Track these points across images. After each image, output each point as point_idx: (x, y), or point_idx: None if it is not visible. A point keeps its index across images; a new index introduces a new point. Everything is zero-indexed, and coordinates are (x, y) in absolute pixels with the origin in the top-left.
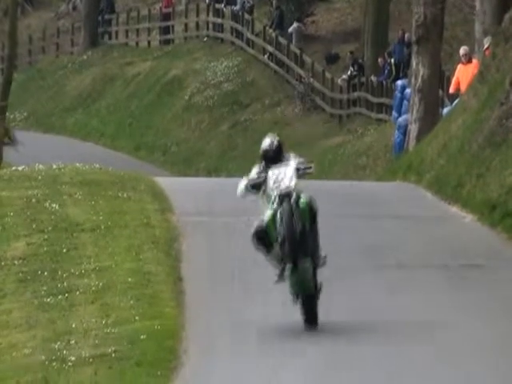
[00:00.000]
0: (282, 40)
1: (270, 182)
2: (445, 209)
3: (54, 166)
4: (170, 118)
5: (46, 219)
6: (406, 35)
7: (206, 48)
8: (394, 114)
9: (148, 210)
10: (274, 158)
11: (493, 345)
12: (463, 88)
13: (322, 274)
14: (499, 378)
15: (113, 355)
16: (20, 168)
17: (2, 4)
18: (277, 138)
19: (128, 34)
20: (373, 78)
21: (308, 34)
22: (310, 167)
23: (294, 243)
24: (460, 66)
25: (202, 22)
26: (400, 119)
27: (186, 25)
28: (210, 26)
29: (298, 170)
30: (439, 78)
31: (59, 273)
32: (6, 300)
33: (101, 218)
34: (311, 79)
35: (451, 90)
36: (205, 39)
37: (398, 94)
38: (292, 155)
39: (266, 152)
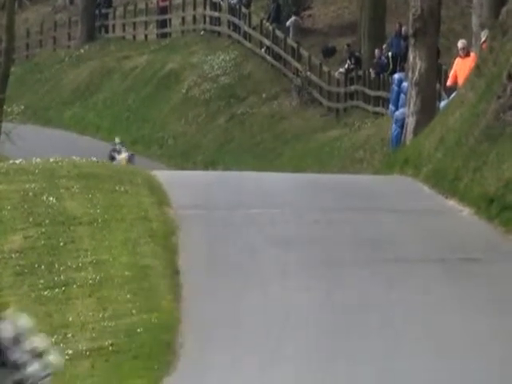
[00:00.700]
0: (279, 33)
1: None
2: (442, 202)
3: (51, 160)
4: (167, 111)
5: (43, 212)
6: (403, 28)
7: (203, 41)
8: (391, 107)
9: (145, 204)
10: None
11: (490, 338)
12: (461, 81)
13: (320, 267)
14: (496, 372)
15: (110, 348)
16: (17, 161)
17: None
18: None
19: (125, 28)
20: (371, 70)
21: (305, 28)
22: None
23: None
24: (458, 60)
25: (199, 16)
26: (397, 113)
27: (183, 18)
28: (207, 19)
29: None
30: (436, 71)
31: (56, 266)
32: (3, 293)
33: (98, 211)
34: (308, 73)
35: (449, 83)
36: (202, 33)
37: (395, 87)
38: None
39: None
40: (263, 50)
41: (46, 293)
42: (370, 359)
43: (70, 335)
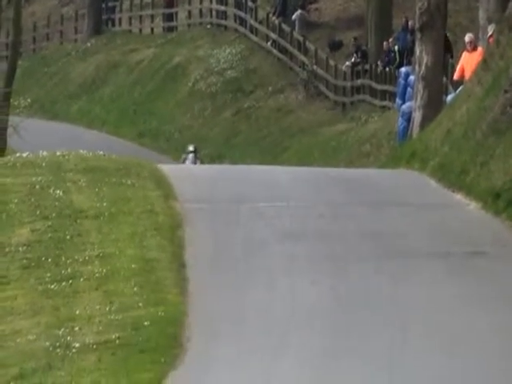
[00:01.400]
0: (285, 27)
1: None
2: (449, 196)
3: (58, 153)
4: (174, 104)
5: (50, 206)
6: (410, 22)
7: (210, 35)
8: (398, 101)
9: (151, 197)
10: None
11: (497, 334)
12: (467, 76)
13: (326, 261)
14: (500, 368)
15: (116, 342)
16: (24, 155)
17: None
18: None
19: (131, 21)
20: (379, 63)
21: (311, 21)
22: None
23: None
24: (465, 54)
25: (206, 9)
26: (404, 106)
27: (189, 12)
28: (214, 13)
29: None
30: (443, 65)
31: (63, 259)
32: (10, 286)
33: (104, 204)
34: (314, 66)
35: (455, 76)
36: (208, 26)
37: (401, 81)
38: None
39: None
40: (269, 43)
41: (52, 286)
42: (375, 354)
43: (76, 328)
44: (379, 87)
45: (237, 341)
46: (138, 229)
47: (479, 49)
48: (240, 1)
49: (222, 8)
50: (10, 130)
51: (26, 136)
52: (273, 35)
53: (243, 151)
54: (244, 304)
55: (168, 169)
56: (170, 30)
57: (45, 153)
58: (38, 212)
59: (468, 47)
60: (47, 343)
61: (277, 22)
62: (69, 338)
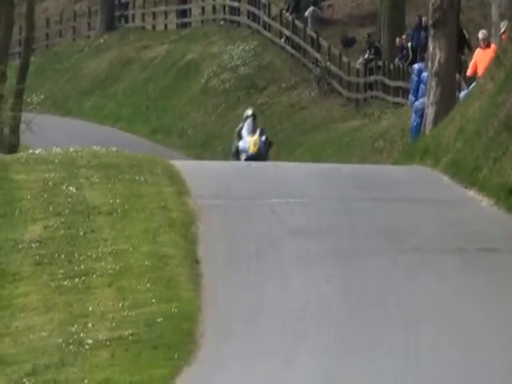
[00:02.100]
0: (298, 23)
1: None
2: (461, 193)
3: (71, 149)
4: (187, 101)
5: (63, 202)
6: (423, 20)
7: (223, 31)
8: (411, 97)
9: (165, 193)
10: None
11: (508, 329)
12: (480, 72)
13: (339, 257)
14: None
15: (129, 338)
16: (37, 151)
17: None
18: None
19: (145, 18)
20: (396, 59)
21: (324, 18)
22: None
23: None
24: (478, 50)
25: (219, 6)
26: (417, 103)
27: (202, 8)
28: (227, 9)
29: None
30: (456, 61)
31: (76, 256)
32: (23, 283)
33: (118, 201)
34: (328, 63)
35: (468, 73)
36: (221, 23)
37: (414, 77)
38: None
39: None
40: (283, 40)
41: (65, 282)
42: (389, 350)
43: (89, 325)
44: (392, 84)
45: (250, 337)
46: (152, 225)
47: (492, 46)
48: None
49: (236, 4)
50: (22, 127)
51: (38, 132)
52: (286, 32)
53: None
54: (258, 300)
55: (181, 165)
56: (184, 26)
57: (58, 149)
58: (50, 208)
59: (481, 44)
60: (60, 340)
61: (290, 18)
62: (82, 334)
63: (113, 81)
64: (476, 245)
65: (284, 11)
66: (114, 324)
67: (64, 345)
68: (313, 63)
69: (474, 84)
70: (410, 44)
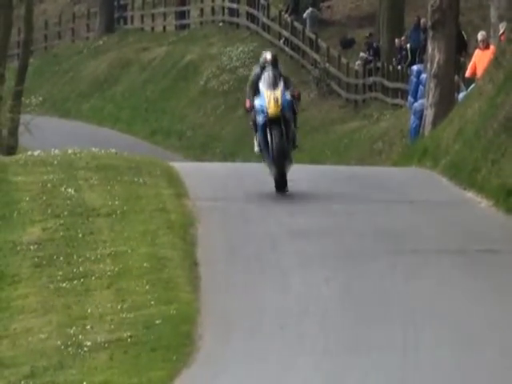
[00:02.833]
0: (297, 25)
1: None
2: (460, 194)
3: (70, 151)
4: (186, 102)
5: (62, 204)
6: (422, 21)
7: (222, 33)
8: (410, 99)
9: (164, 195)
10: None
11: (507, 329)
12: (479, 74)
13: (339, 258)
14: None
15: (128, 340)
16: (35, 153)
17: None
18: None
19: (144, 19)
20: (394, 60)
21: (323, 19)
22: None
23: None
24: (477, 51)
25: (218, 7)
26: (416, 104)
27: (201, 10)
28: (226, 10)
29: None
30: (455, 63)
31: (75, 258)
32: (22, 285)
33: (116, 202)
34: (326, 64)
35: (467, 74)
36: (220, 24)
37: (413, 79)
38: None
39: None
40: (282, 41)
41: (64, 284)
42: (389, 351)
43: (88, 327)
44: (391, 85)
45: (249, 339)
46: (150, 227)
47: (491, 47)
48: None
49: (235, 6)
50: (21, 128)
51: (37, 134)
52: (285, 33)
53: None
54: (256, 302)
55: (180, 167)
56: (183, 27)
57: (56, 151)
58: (49, 210)
59: (480, 45)
60: (59, 342)
61: (289, 19)
62: (80, 336)
63: (112, 82)
64: (475, 246)
65: (283, 13)
66: (112, 326)
67: (63, 347)
68: (312, 64)
69: (472, 85)
70: (408, 45)
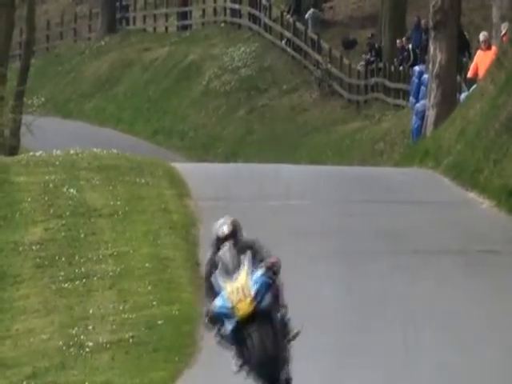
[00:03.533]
0: (299, 26)
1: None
2: (462, 194)
3: (72, 152)
4: (188, 103)
5: (64, 204)
6: (422, 21)
7: (224, 33)
8: (412, 99)
9: (165, 196)
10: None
11: (508, 330)
12: (481, 74)
13: (341, 258)
14: None
15: (130, 341)
16: (37, 153)
17: None
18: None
19: (146, 20)
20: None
21: (325, 20)
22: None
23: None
24: (479, 52)
25: (220, 8)
26: (418, 105)
27: (203, 10)
28: (228, 11)
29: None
30: (457, 63)
31: (76, 258)
32: (24, 285)
33: (118, 203)
34: (328, 65)
35: (469, 74)
36: (222, 25)
37: (415, 79)
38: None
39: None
40: (284, 42)
41: (66, 285)
42: (389, 351)
43: (90, 327)
44: (393, 85)
45: None
46: (152, 227)
47: (493, 48)
48: None
49: (237, 6)
50: (23, 129)
51: (39, 135)
52: (287, 34)
53: (257, 150)
54: None
55: (182, 167)
56: (184, 28)
57: (58, 151)
58: (51, 211)
59: (482, 46)
60: (60, 342)
61: (291, 20)
62: (82, 336)
63: (114, 83)
64: (477, 247)
65: (285, 13)
66: (114, 326)
67: (64, 347)
68: (314, 65)
69: (474, 86)
70: (410, 46)
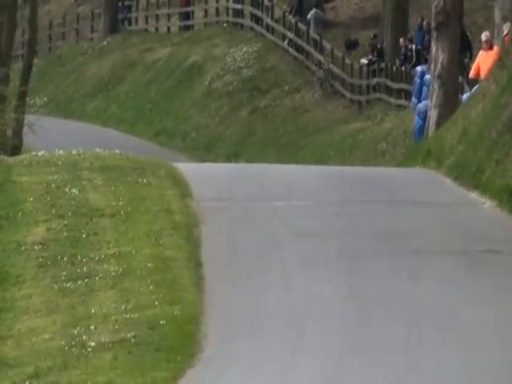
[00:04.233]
0: (301, 26)
1: None
2: (464, 195)
3: (74, 152)
4: (190, 103)
5: (66, 204)
6: (425, 22)
7: (226, 34)
8: (414, 99)
9: (168, 196)
10: None
11: (511, 331)
12: (483, 74)
13: (342, 259)
14: None
15: (132, 340)
16: (40, 153)
17: None
18: None
19: (148, 20)
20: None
21: (327, 20)
22: None
23: None
24: (481, 52)
25: (222, 8)
26: (420, 105)
27: (205, 10)
28: (230, 11)
29: None
30: (459, 64)
31: (79, 258)
32: (26, 285)
33: (121, 203)
34: (331, 65)
35: (471, 75)
36: (224, 25)
37: (417, 79)
38: None
39: None
40: (286, 42)
41: (68, 285)
42: (391, 351)
43: (92, 327)
44: (395, 86)
45: (253, 339)
46: (155, 227)
47: (495, 48)
48: None
49: (239, 6)
50: (25, 129)
51: (41, 135)
52: (289, 34)
53: (259, 150)
54: (260, 302)
55: (184, 167)
56: (187, 28)
57: (61, 151)
58: (53, 211)
59: (484, 46)
60: (63, 342)
61: (293, 20)
62: (84, 336)
63: (116, 83)
64: (479, 247)
65: (287, 14)
66: (116, 326)
67: (66, 347)
68: (316, 65)
69: (476, 86)
70: (413, 46)
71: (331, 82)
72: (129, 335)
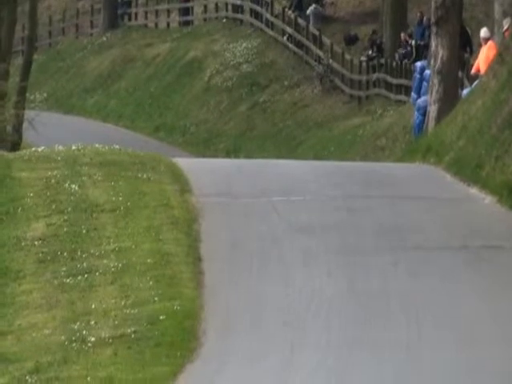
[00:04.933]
0: (300, 21)
1: None
2: (464, 190)
3: (74, 147)
4: (189, 99)
5: (66, 200)
6: (425, 17)
7: (226, 29)
8: (413, 95)
9: (167, 191)
10: None
11: (511, 327)
12: (482, 70)
13: (342, 254)
14: None
15: (132, 336)
16: (39, 149)
17: None
18: None
19: (147, 16)
20: (397, 55)
21: (327, 16)
22: None
23: None
24: (482, 48)
25: (222, 4)
26: (419, 100)
27: (205, 6)
28: (230, 7)
29: None
30: (459, 59)
31: (79, 253)
32: (26, 280)
33: (120, 198)
34: (330, 60)
35: (472, 71)
36: (224, 20)
37: (417, 75)
38: None
39: None
40: (285, 37)
41: (68, 280)
42: (392, 348)
43: (92, 322)
44: (395, 81)
45: (253, 334)
46: (154, 223)
47: (489, 42)
48: None
49: (238, 2)
50: (25, 124)
51: (41, 130)
52: (289, 29)
53: (259, 145)
54: (260, 298)
55: (184, 163)
56: (186, 24)
57: (60, 147)
58: (53, 206)
59: (483, 43)
60: (63, 337)
61: (292, 16)
62: (84, 332)
63: (115, 79)
64: (479, 242)
65: (286, 9)
66: (116, 322)
67: (67, 342)
68: (315, 61)
69: (476, 82)
70: (413, 42)
71: (331, 78)
72: (129, 330)
